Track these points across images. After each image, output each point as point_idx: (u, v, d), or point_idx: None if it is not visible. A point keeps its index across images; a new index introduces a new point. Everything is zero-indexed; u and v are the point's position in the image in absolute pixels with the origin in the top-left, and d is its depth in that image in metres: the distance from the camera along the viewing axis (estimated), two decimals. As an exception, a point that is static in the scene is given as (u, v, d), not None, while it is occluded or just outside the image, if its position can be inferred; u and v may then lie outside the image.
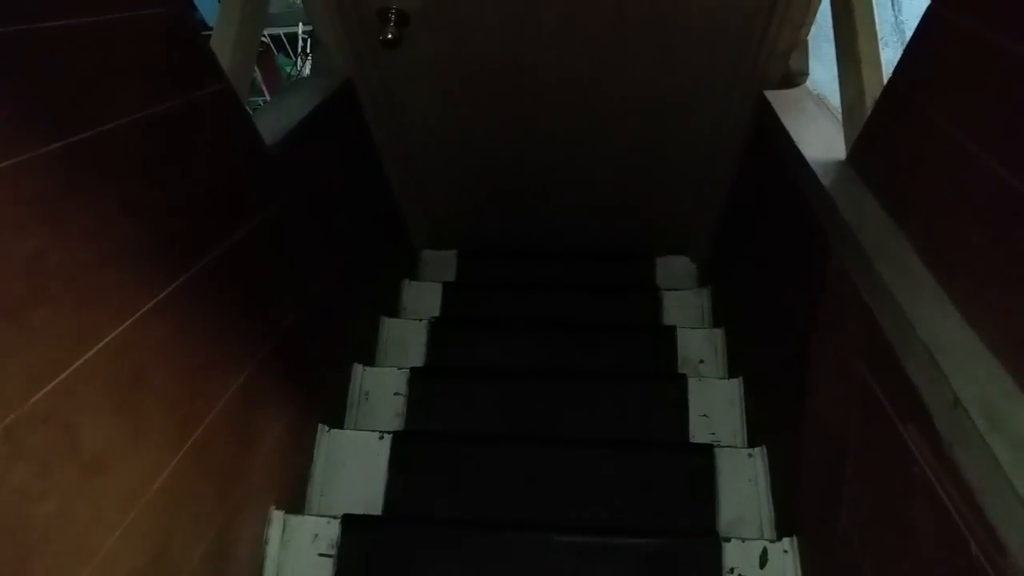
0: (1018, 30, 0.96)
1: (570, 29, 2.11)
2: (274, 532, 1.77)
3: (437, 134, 2.57)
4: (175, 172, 1.31)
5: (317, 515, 1.88)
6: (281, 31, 4.95)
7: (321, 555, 1.77)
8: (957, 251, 1.08)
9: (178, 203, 1.31)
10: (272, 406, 1.74)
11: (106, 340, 1.09)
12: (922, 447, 1.00)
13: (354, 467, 2.02)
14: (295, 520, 1.80)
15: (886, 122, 1.39)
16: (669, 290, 2.92)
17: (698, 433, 2.23)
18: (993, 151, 1.00)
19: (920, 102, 1.24)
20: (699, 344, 2.57)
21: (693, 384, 2.30)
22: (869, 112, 1.48)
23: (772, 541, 1.75)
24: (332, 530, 1.79)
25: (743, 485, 1.97)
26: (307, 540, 1.79)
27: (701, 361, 2.53)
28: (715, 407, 2.26)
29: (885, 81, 1.42)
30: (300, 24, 4.83)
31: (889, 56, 1.60)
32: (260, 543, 1.74)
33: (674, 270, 3.13)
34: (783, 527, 1.83)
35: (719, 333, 2.58)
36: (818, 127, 1.83)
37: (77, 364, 1.03)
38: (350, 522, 1.81)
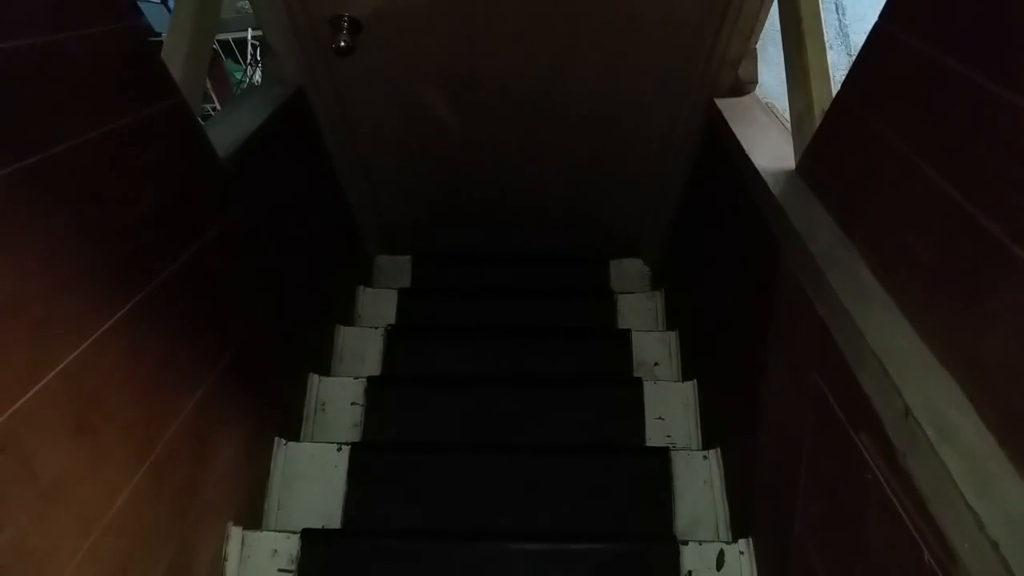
0: (960, 49, 1.00)
1: (522, 38, 2.11)
2: (232, 548, 1.73)
3: (390, 141, 2.55)
4: (128, 191, 1.27)
5: (275, 530, 1.86)
6: (230, 36, 4.85)
7: (281, 570, 1.75)
8: (905, 263, 1.11)
9: (131, 222, 1.28)
10: (228, 421, 1.71)
11: (62, 365, 1.06)
12: (875, 455, 1.03)
13: (312, 480, 1.99)
14: (253, 536, 1.78)
15: (834, 134, 1.42)
16: (623, 293, 2.95)
17: (654, 436, 2.26)
18: (937, 165, 1.03)
19: (867, 115, 1.27)
20: (653, 347, 2.60)
21: (648, 387, 2.34)
22: (818, 123, 1.51)
23: (728, 543, 1.79)
24: (291, 545, 1.77)
25: (699, 487, 2.01)
26: (266, 556, 1.76)
27: (656, 364, 2.57)
28: (670, 410, 2.30)
29: (833, 93, 1.45)
30: (249, 30, 4.75)
31: (833, 59, 1.64)
32: (219, 560, 1.71)
33: (627, 273, 3.16)
34: (738, 528, 1.86)
35: (673, 336, 2.61)
36: (768, 136, 1.86)
37: (32, 392, 1.00)
38: (309, 536, 1.79)
